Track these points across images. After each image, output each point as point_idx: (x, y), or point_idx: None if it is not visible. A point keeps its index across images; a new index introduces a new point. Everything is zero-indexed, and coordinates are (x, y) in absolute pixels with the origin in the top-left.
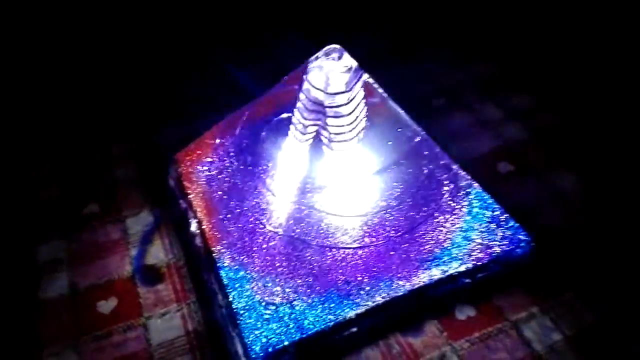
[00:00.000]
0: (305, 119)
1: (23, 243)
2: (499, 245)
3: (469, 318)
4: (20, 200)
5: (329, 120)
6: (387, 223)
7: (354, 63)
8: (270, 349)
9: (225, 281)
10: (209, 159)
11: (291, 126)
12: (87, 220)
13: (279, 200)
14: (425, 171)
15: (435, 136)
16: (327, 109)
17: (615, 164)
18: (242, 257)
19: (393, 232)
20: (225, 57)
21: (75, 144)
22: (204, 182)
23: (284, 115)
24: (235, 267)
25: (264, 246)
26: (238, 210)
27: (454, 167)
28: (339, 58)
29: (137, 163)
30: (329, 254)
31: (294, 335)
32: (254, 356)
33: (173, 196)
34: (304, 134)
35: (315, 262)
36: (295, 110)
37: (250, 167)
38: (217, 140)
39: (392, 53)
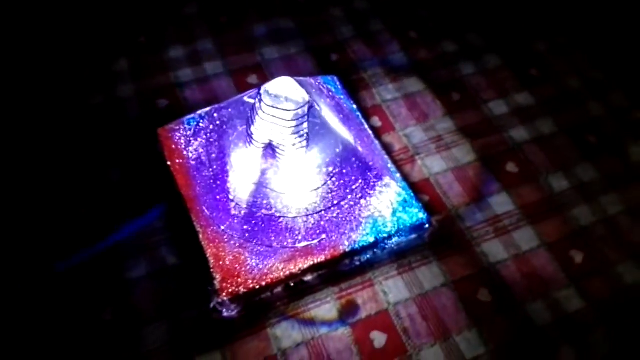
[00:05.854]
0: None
1: None
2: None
3: None
4: None
5: (291, 132)
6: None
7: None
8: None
9: (370, 240)
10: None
11: (282, 147)
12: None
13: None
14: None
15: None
16: (290, 122)
17: None
18: (337, 233)
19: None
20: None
21: None
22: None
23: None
24: (353, 236)
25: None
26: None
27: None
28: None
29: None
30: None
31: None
32: (427, 220)
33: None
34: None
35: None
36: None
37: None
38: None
39: None
